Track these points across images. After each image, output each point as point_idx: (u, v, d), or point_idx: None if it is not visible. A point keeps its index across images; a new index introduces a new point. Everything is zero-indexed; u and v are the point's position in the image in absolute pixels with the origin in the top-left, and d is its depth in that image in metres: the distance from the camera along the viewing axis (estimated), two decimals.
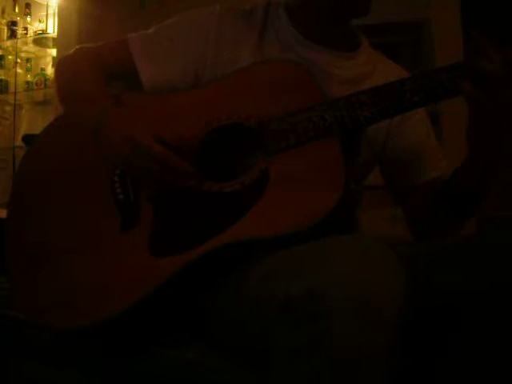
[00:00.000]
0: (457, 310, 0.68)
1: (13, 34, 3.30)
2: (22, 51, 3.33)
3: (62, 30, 2.96)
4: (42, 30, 3.27)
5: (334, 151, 0.78)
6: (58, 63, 1.05)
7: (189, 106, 0.90)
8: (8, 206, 0.91)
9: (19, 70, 3.31)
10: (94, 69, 0.95)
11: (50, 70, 3.27)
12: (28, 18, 3.31)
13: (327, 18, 0.94)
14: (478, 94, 0.75)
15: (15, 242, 0.88)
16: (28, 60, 3.35)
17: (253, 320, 0.69)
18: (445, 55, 2.02)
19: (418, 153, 0.99)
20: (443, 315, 0.69)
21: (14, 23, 3.30)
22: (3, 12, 3.35)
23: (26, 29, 3.29)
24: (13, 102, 3.27)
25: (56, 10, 3.11)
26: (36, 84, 3.23)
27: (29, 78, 3.30)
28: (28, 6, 3.30)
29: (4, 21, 3.33)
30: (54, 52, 3.22)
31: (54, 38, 3.17)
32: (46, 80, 3.21)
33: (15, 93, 3.26)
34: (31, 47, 3.32)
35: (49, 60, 3.33)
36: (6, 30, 3.33)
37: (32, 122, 3.24)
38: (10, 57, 3.39)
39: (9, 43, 3.33)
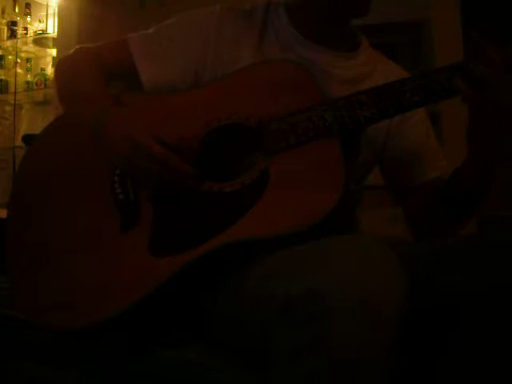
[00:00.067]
0: (457, 310, 0.68)
1: (13, 34, 3.30)
2: (22, 51, 3.33)
3: (62, 30, 2.96)
4: (42, 30, 3.27)
5: (334, 151, 0.78)
6: (58, 63, 1.05)
7: (189, 106, 0.90)
8: (8, 206, 0.91)
9: (19, 70, 3.31)
10: (93, 69, 0.95)
11: (49, 70, 3.26)
12: (28, 18, 3.31)
13: (327, 17, 0.94)
14: (475, 94, 0.75)
15: (15, 242, 0.88)
16: (28, 60, 3.35)
17: (253, 320, 0.69)
18: (445, 55, 2.02)
19: (417, 153, 0.99)
20: (443, 315, 0.69)
21: (14, 23, 3.30)
22: (3, 12, 3.35)
23: (26, 29, 3.29)
24: (13, 102, 3.27)
25: (56, 10, 3.11)
26: (36, 84, 3.23)
27: (29, 78, 3.30)
28: (28, 6, 3.30)
29: (4, 21, 3.33)
30: (54, 52, 3.22)
31: (54, 38, 3.17)
32: (46, 80, 3.21)
33: (15, 93, 3.26)
34: (31, 47, 3.32)
35: (49, 60, 3.33)
36: (5, 30, 3.33)
37: (32, 122, 3.24)
38: (10, 57, 3.39)
39: (9, 43, 3.33)
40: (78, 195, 0.88)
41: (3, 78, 3.35)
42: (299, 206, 0.75)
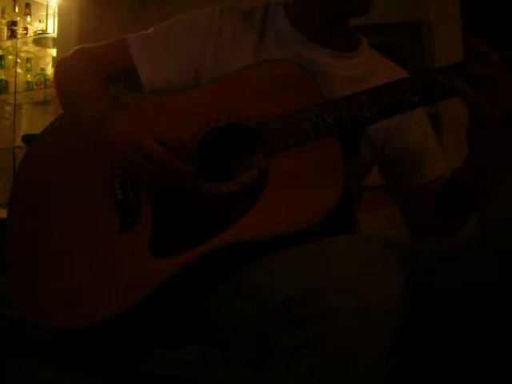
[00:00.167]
0: (456, 310, 0.68)
1: (13, 34, 3.30)
2: (21, 51, 3.33)
3: (62, 30, 2.96)
4: (42, 30, 3.27)
5: (334, 151, 0.79)
6: (58, 64, 1.05)
7: (188, 106, 0.90)
8: (8, 206, 0.91)
9: (19, 70, 3.30)
10: (93, 69, 0.95)
11: (49, 70, 3.26)
12: (28, 18, 3.30)
13: (327, 17, 0.94)
14: (475, 94, 0.75)
15: (15, 242, 0.88)
16: (28, 60, 3.34)
17: (253, 320, 0.69)
18: (445, 55, 2.02)
19: (417, 153, 0.99)
20: (443, 315, 0.69)
21: (14, 23, 3.30)
22: (3, 12, 3.35)
23: (26, 29, 3.29)
24: (13, 102, 3.27)
25: (56, 10, 3.11)
26: (36, 84, 3.23)
27: (29, 78, 3.29)
28: (28, 6, 3.29)
29: (4, 21, 3.33)
30: (54, 52, 3.21)
31: (53, 38, 3.16)
32: (46, 80, 3.20)
33: (15, 93, 3.26)
34: (31, 47, 3.32)
35: (49, 60, 3.33)
36: (5, 30, 3.32)
37: (32, 122, 3.24)
38: (10, 57, 3.38)
39: (9, 43, 3.33)
40: (77, 195, 0.88)
41: (3, 77, 3.35)
42: (299, 206, 0.75)
